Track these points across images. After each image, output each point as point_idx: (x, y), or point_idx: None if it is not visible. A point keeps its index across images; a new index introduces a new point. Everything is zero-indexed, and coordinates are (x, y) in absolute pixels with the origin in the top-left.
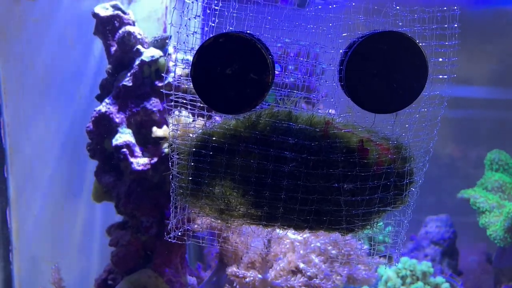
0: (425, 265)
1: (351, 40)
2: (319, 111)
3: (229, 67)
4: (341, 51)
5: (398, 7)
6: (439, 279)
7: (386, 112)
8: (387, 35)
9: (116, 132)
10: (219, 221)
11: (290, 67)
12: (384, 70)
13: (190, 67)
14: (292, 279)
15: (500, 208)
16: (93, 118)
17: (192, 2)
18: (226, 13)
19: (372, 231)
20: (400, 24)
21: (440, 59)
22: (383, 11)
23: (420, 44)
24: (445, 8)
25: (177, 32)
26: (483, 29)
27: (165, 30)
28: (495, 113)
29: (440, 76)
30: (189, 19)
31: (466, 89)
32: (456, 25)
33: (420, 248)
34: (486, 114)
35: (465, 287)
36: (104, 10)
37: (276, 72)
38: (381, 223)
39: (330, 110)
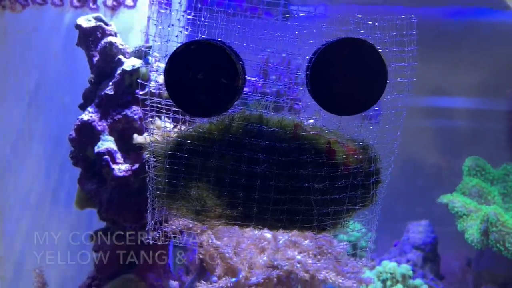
0: (405, 268)
1: (316, 47)
2: (301, 117)
3: (201, 72)
4: (307, 57)
5: (360, 16)
6: (418, 281)
7: (349, 114)
8: (347, 42)
9: (98, 139)
10: (196, 222)
11: (273, 76)
12: (346, 74)
13: (163, 73)
14: (267, 272)
15: (477, 212)
16: (75, 127)
17: (170, 11)
18: (198, 22)
19: (344, 230)
20: (362, 31)
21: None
22: (346, 19)
23: (380, 50)
24: (403, 16)
25: (153, 40)
26: (461, 40)
27: (147, 41)
28: (478, 122)
29: (401, 80)
30: (163, 27)
31: (447, 99)
32: (414, 32)
33: (403, 253)
34: (469, 123)
35: None
36: (86, 22)
37: (253, 80)
38: (356, 225)
39: (311, 119)
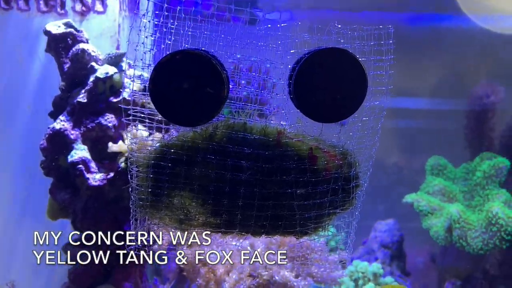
0: (376, 267)
1: (298, 57)
2: (272, 122)
3: (186, 82)
4: (289, 66)
5: (340, 26)
6: (388, 279)
7: (331, 122)
8: (330, 51)
9: (72, 148)
10: (179, 230)
11: (242, 81)
12: (328, 83)
13: (148, 83)
14: (248, 281)
15: (441, 210)
16: (47, 135)
17: (149, 22)
18: (182, 32)
19: (325, 233)
20: (342, 41)
21: (378, 72)
22: (327, 29)
23: (360, 59)
24: (381, 26)
25: (135, 49)
26: (420, 44)
27: (118, 48)
28: (436, 122)
29: (379, 88)
30: (146, 37)
31: (407, 101)
32: (391, 42)
33: (371, 252)
34: (427, 123)
35: (413, 286)
36: (56, 28)
37: (230, 87)
38: (333, 229)
39: (281, 122)
